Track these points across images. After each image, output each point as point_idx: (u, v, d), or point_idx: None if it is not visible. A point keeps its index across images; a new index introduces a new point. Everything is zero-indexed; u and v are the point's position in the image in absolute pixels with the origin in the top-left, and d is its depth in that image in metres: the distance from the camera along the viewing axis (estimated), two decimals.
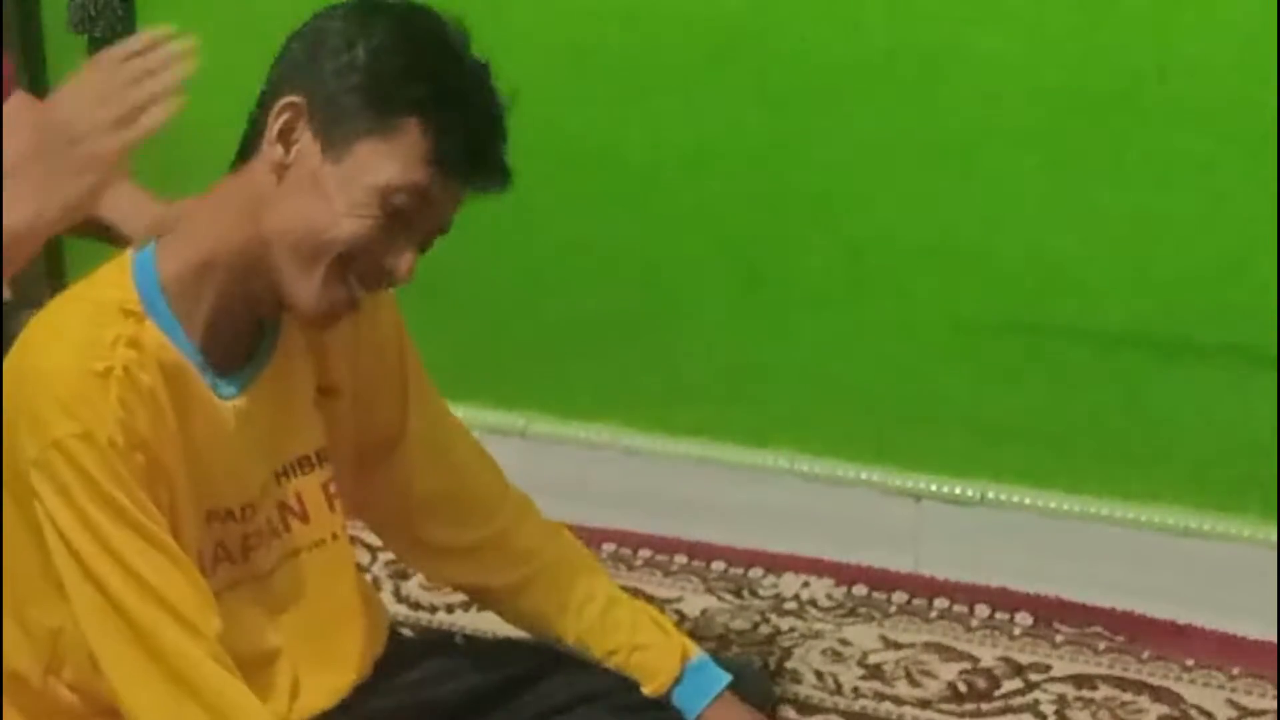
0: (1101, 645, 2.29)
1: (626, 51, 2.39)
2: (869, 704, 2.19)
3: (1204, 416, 2.30)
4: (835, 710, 2.18)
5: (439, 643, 2.14)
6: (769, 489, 2.52)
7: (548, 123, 2.22)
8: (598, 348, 2.57)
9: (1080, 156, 2.24)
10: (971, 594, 2.40)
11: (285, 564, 1.62)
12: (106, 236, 1.73)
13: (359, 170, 1.45)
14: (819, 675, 2.24)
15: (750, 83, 2.35)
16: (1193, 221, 2.22)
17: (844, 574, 2.45)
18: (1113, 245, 2.27)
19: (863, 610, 2.38)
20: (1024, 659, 2.27)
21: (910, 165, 2.31)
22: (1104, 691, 2.20)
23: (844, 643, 2.31)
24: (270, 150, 1.47)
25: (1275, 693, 2.19)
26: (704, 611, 2.39)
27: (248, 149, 1.50)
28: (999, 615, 2.36)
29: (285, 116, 1.46)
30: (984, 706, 2.19)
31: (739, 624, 2.35)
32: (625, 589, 1.82)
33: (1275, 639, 2.25)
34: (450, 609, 2.37)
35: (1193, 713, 2.16)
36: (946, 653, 2.29)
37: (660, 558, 2.52)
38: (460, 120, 1.47)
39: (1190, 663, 2.25)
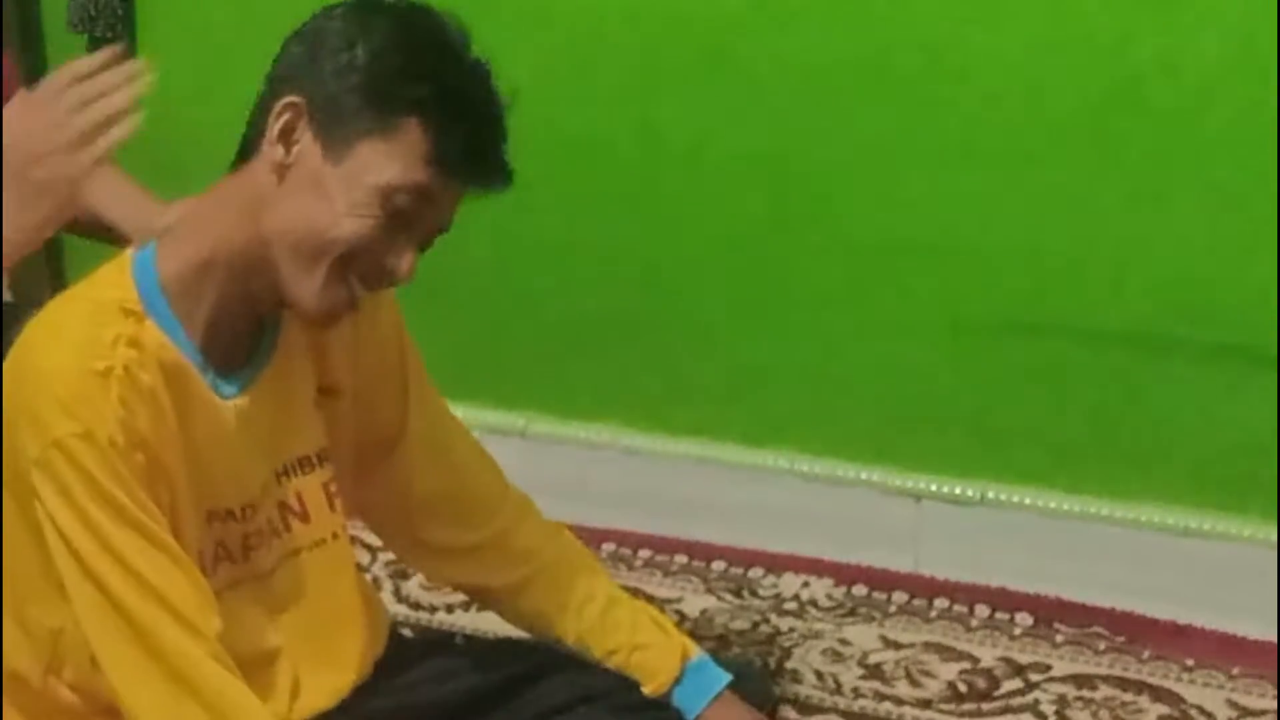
0: (1101, 645, 2.29)
1: (626, 51, 2.39)
2: (869, 704, 2.19)
3: (1204, 416, 2.30)
4: (835, 710, 2.18)
5: (439, 643, 2.14)
6: (769, 489, 2.52)
7: (548, 123, 2.22)
8: (598, 348, 2.57)
9: (1080, 156, 2.24)
10: (971, 594, 2.40)
11: (286, 563, 1.62)
12: (107, 236, 1.73)
13: (360, 170, 1.45)
14: (819, 675, 2.24)
15: (750, 83, 2.35)
16: (1192, 221, 2.22)
17: (844, 574, 2.45)
18: (1113, 245, 2.27)
19: (863, 610, 2.38)
20: (1024, 659, 2.27)
21: (910, 165, 2.31)
22: (1104, 691, 2.20)
23: (844, 643, 2.31)
24: (270, 151, 1.47)
25: (1275, 693, 2.19)
26: (704, 611, 2.39)
27: (247, 149, 1.50)
28: (999, 615, 2.36)
29: (285, 117, 1.46)
30: (984, 706, 2.19)
31: (739, 624, 2.35)
32: (625, 589, 1.82)
33: (1275, 639, 2.25)
34: (450, 609, 2.37)
35: (1193, 713, 2.16)
36: (946, 653, 2.29)
37: (660, 558, 2.52)
38: (460, 120, 1.46)
39: (1190, 663, 2.25)
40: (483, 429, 2.00)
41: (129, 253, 1.52)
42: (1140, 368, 2.31)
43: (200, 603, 1.47)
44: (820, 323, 2.44)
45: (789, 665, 2.26)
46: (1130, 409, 2.34)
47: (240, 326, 1.54)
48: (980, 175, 2.29)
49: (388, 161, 1.45)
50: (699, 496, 2.55)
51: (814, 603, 2.40)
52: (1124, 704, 2.18)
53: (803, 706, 2.18)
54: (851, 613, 2.38)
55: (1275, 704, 2.17)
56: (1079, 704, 2.18)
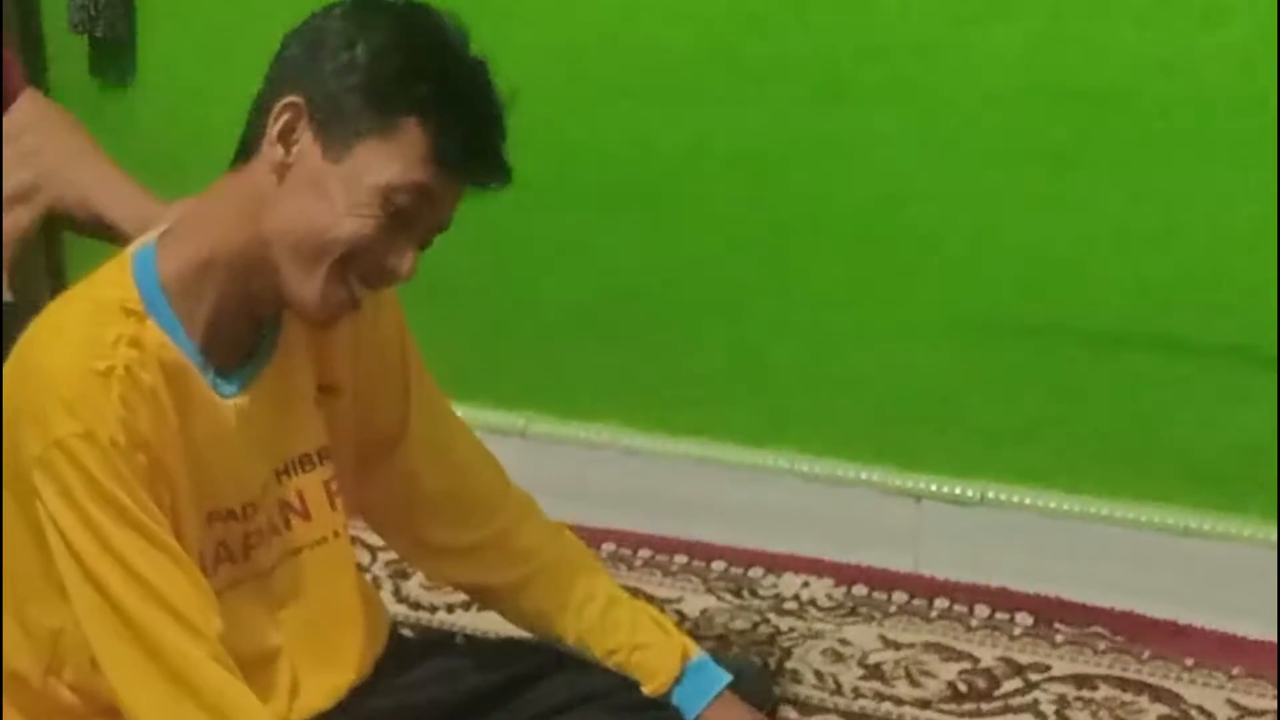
0: (1101, 645, 2.29)
1: (626, 51, 2.39)
2: (869, 704, 2.19)
3: (1204, 416, 2.30)
4: (835, 710, 2.18)
5: (439, 643, 2.14)
6: (769, 489, 2.52)
7: (547, 122, 2.22)
8: (598, 348, 2.57)
9: (1080, 156, 2.24)
10: (971, 594, 2.40)
11: (286, 562, 1.62)
12: (107, 236, 1.73)
13: (360, 170, 1.45)
14: (819, 675, 2.24)
15: (750, 82, 2.35)
16: (1192, 221, 2.22)
17: (844, 574, 2.45)
18: (1113, 245, 2.27)
19: (863, 610, 2.38)
20: (1024, 659, 2.27)
21: (910, 164, 2.31)
22: (1104, 691, 2.20)
23: (844, 643, 2.31)
24: (270, 150, 1.47)
25: (1275, 693, 2.19)
26: (704, 611, 2.39)
27: (247, 149, 1.50)
28: (999, 615, 2.36)
29: (285, 117, 1.46)
30: (984, 706, 2.19)
31: (739, 624, 2.35)
32: (625, 589, 1.82)
33: (1275, 639, 2.25)
34: (450, 609, 2.37)
35: (1193, 713, 2.16)
36: (946, 653, 2.29)
37: (660, 558, 2.52)
38: (460, 119, 1.46)
39: (1190, 663, 2.25)
40: (483, 429, 1.99)
41: (129, 252, 1.52)
42: (1140, 368, 2.30)
43: (201, 604, 1.47)
44: (820, 323, 2.44)
45: (789, 665, 2.26)
46: (1130, 409, 2.33)
47: (240, 326, 1.54)
48: (980, 175, 2.29)
49: (388, 161, 1.45)
50: (699, 496, 2.55)
51: (814, 603, 2.40)
52: (1124, 704, 2.18)
53: (803, 706, 2.18)
54: (851, 613, 2.38)
55: (1275, 704, 2.17)
56: (1079, 704, 2.18)
